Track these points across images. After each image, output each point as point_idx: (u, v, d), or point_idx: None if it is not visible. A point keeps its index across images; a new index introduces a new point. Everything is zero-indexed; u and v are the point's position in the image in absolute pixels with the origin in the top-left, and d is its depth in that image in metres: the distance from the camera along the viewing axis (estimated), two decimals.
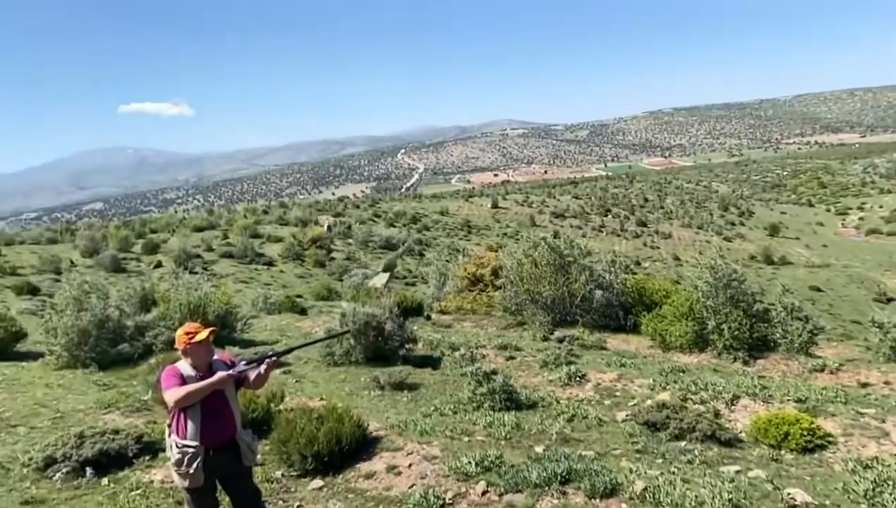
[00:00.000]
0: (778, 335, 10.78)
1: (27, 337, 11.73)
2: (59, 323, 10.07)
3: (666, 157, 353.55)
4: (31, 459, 5.93)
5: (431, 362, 10.02)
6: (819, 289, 35.05)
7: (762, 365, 10.20)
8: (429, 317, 14.72)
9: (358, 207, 71.46)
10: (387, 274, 20.77)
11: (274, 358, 4.19)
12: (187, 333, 3.97)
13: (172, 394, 3.79)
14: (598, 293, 13.58)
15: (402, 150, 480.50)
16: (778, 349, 10.65)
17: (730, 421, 6.93)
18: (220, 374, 3.93)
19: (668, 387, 8.07)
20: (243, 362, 4.15)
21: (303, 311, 15.94)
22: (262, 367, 4.13)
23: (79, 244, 32.08)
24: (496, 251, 26.57)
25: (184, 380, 3.88)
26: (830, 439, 6.12)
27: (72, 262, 27.75)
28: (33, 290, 20.26)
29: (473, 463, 5.39)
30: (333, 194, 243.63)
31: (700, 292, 11.26)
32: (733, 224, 72.47)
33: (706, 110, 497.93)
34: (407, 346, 10.29)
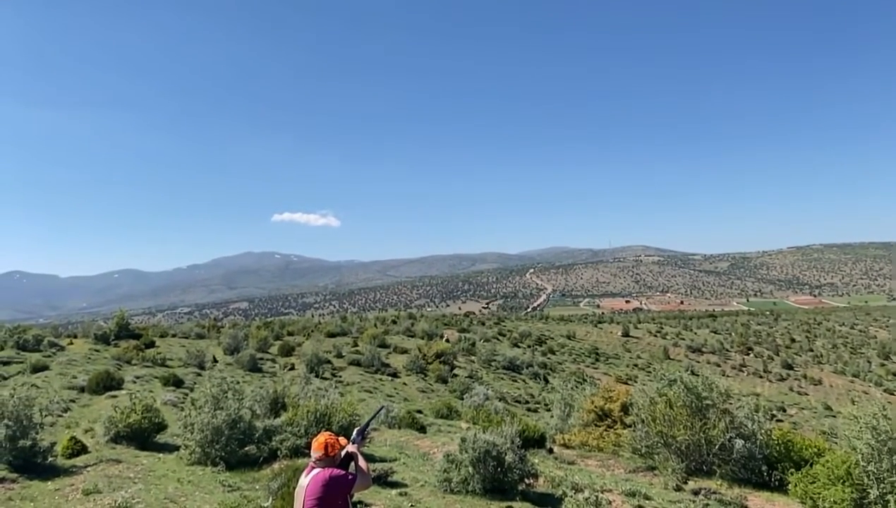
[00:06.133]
0: None
1: (167, 429, 12.41)
2: (197, 419, 10.60)
3: (815, 296, 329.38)
4: None
5: (552, 501, 9.41)
6: None
7: None
8: (551, 451, 14.00)
9: (483, 324, 71.63)
10: None
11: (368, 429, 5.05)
12: (338, 440, 4.48)
13: (368, 475, 4.52)
14: (739, 442, 12.33)
15: (531, 270, 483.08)
16: None
17: None
18: (354, 448, 4.60)
19: None
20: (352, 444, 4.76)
21: (422, 429, 15.76)
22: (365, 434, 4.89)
23: (222, 341, 34.42)
24: (626, 383, 25.30)
25: None
26: None
27: (214, 359, 29.64)
28: (178, 382, 21.66)
29: None
30: (460, 309, 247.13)
31: (860, 454, 9.90)
32: (895, 374, 64.79)
33: (861, 249, 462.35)
34: (527, 481, 9.77)
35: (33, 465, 9.75)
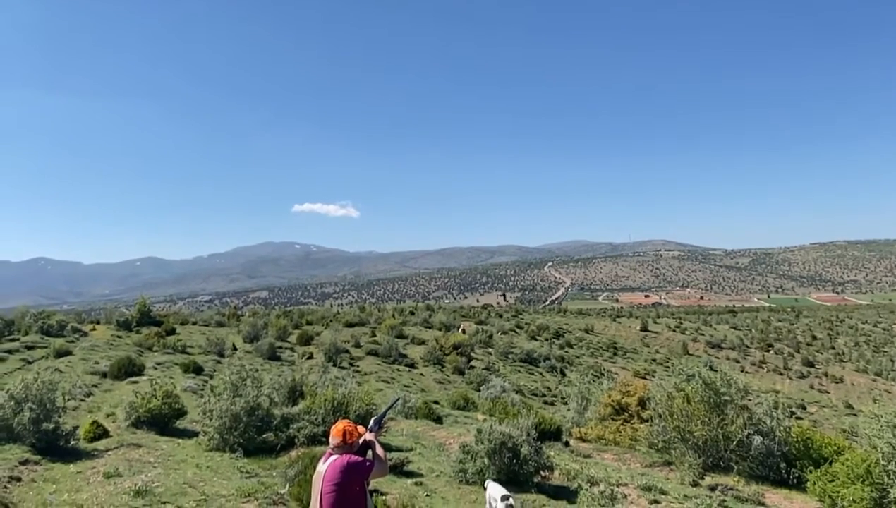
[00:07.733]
0: None
1: (187, 415, 12.56)
2: (216, 405, 10.70)
3: (838, 293, 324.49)
4: None
5: (567, 494, 9.37)
6: None
7: None
8: (567, 444, 13.96)
9: (501, 316, 71.53)
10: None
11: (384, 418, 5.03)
12: (357, 428, 4.55)
13: (385, 462, 4.55)
14: (758, 439, 12.19)
15: (550, 263, 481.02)
16: None
17: None
18: (371, 436, 4.62)
19: None
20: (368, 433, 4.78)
21: (438, 419, 15.79)
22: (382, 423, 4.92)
23: (242, 330, 34.74)
24: (643, 378, 25.17)
25: None
26: None
27: (234, 346, 29.91)
28: (198, 369, 21.90)
29: None
30: (478, 301, 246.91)
31: (880, 453, 9.73)
32: None
33: (886, 245, 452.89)
34: (542, 473, 9.75)
35: (56, 448, 9.92)
